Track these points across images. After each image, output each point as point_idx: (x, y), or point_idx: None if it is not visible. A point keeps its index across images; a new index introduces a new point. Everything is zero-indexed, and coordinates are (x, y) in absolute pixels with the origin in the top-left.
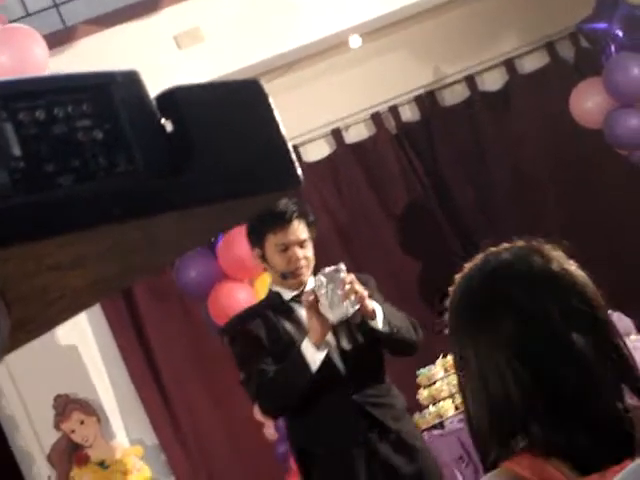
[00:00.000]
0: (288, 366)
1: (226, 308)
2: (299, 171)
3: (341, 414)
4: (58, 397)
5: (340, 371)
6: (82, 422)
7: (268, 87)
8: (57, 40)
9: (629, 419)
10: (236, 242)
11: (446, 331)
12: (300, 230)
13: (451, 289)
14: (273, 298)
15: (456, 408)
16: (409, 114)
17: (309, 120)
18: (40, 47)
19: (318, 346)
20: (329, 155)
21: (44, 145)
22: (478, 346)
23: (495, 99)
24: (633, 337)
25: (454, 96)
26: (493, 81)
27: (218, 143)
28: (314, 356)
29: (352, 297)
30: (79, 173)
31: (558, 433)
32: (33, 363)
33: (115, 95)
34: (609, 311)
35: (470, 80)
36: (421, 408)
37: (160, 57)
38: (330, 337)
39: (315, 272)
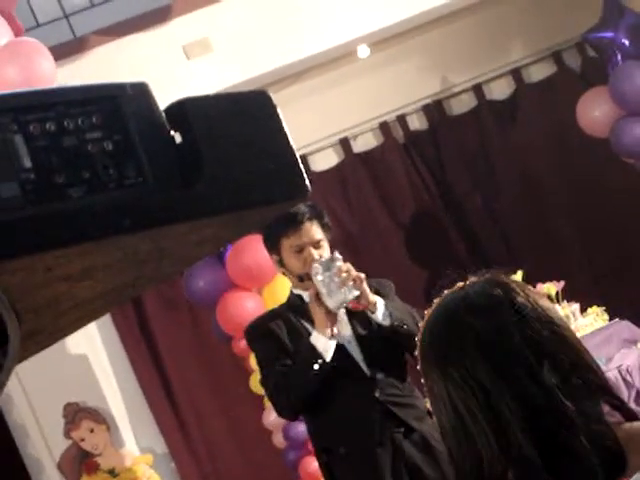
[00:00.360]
0: (300, 359)
1: (234, 317)
2: (307, 181)
3: (364, 413)
4: (68, 405)
5: (362, 369)
6: (92, 430)
7: (277, 97)
8: (67, 51)
9: (613, 437)
10: (244, 251)
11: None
12: (314, 231)
13: (420, 325)
14: (294, 300)
15: None
16: (417, 123)
17: (317, 129)
18: (48, 61)
19: (327, 335)
20: (337, 164)
21: (54, 157)
22: (447, 378)
23: (502, 108)
24: None
25: (462, 105)
26: (500, 90)
27: (227, 154)
28: (326, 345)
29: (350, 284)
30: (89, 185)
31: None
32: (43, 372)
33: (125, 107)
34: (616, 319)
35: (477, 89)
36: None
37: (169, 67)
38: (350, 335)
39: None
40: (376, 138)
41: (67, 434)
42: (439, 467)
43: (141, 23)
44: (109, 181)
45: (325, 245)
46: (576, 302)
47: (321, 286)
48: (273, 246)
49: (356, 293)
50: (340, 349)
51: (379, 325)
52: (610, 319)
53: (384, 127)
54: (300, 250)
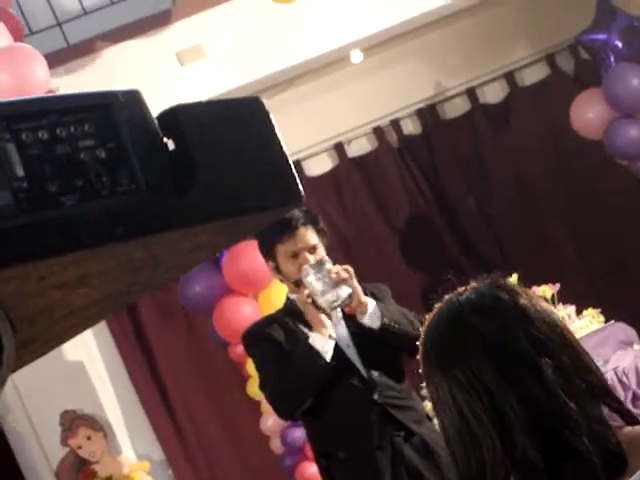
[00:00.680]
0: (299, 360)
1: (231, 323)
2: (301, 187)
3: (363, 416)
4: (65, 413)
5: (360, 371)
6: (89, 438)
7: (270, 102)
8: (60, 58)
9: (614, 439)
10: (241, 257)
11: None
12: (308, 236)
13: (421, 329)
14: (291, 306)
15: None
16: (411, 127)
17: (311, 135)
18: (41, 67)
19: (324, 335)
20: (332, 169)
21: (47, 165)
22: (452, 380)
23: (496, 111)
24: (637, 346)
25: (455, 109)
26: (494, 94)
27: (220, 161)
28: (325, 345)
29: (341, 284)
30: (82, 192)
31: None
32: (39, 379)
33: (117, 115)
34: (612, 321)
35: (471, 93)
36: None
37: (163, 74)
38: (347, 337)
39: None
40: (370, 143)
41: (64, 442)
42: (439, 470)
43: (135, 30)
44: (102, 189)
45: (321, 250)
46: (572, 304)
47: (313, 288)
48: (269, 252)
49: (348, 291)
50: (337, 351)
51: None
52: (606, 321)
53: (378, 132)
54: (295, 256)
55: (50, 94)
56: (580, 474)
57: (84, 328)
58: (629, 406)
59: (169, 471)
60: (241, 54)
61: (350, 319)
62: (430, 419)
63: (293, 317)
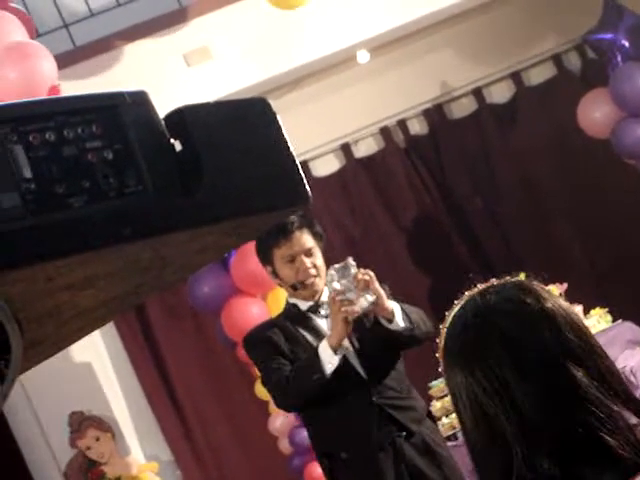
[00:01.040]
0: (304, 366)
1: (239, 323)
2: (308, 188)
3: (362, 417)
4: (73, 414)
5: (359, 373)
6: (97, 439)
7: (277, 103)
8: (67, 60)
9: (637, 440)
10: (249, 257)
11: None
12: (304, 239)
13: (442, 327)
14: (290, 309)
15: None
16: (417, 128)
17: (318, 135)
18: (49, 62)
19: (335, 350)
20: (339, 169)
21: (55, 166)
22: (471, 377)
23: (503, 111)
24: None
25: (462, 109)
26: (501, 94)
27: (227, 162)
28: (331, 359)
29: (366, 291)
30: (90, 194)
31: (564, 469)
32: (47, 381)
33: (124, 116)
34: (619, 320)
35: (478, 93)
36: (434, 420)
37: (170, 75)
38: (345, 340)
39: None
40: (377, 143)
41: (73, 443)
42: (441, 469)
43: (142, 32)
44: (109, 190)
45: (317, 253)
46: (579, 304)
47: (339, 294)
48: (266, 258)
49: (372, 298)
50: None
51: (372, 328)
52: (613, 321)
53: (385, 132)
54: (292, 259)
55: (57, 96)
56: (602, 477)
57: (92, 329)
58: None
59: (177, 471)
60: (248, 55)
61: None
62: (433, 419)
63: (292, 321)
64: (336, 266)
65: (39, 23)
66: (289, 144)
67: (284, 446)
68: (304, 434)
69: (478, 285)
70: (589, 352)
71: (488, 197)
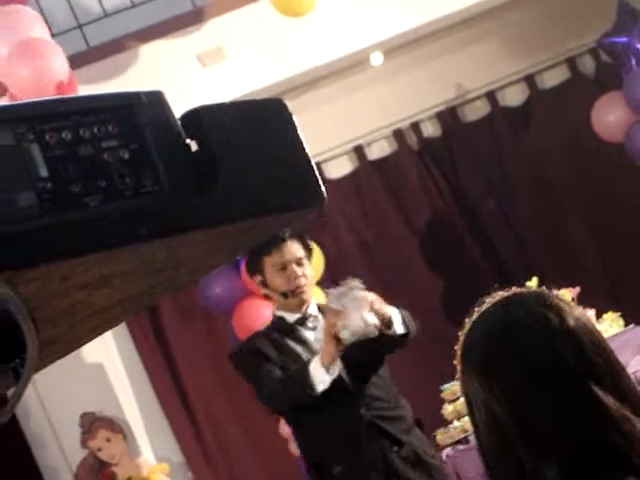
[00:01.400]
0: (295, 379)
1: (251, 325)
2: (323, 189)
3: (352, 431)
4: (84, 415)
5: (347, 384)
6: (109, 440)
7: (291, 105)
8: (81, 60)
9: None
10: None
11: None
12: (295, 249)
13: (461, 333)
14: (277, 322)
15: None
16: (431, 130)
17: (332, 137)
18: (60, 59)
19: (328, 368)
20: (352, 172)
21: (71, 166)
22: (487, 386)
23: (516, 114)
24: None
25: (475, 112)
26: (514, 97)
27: (242, 162)
28: (323, 378)
29: (367, 314)
30: (106, 193)
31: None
32: (59, 381)
33: (140, 115)
34: (632, 325)
35: (491, 96)
36: (446, 423)
37: (184, 75)
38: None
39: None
40: (390, 145)
41: (84, 444)
42: (431, 478)
43: (156, 32)
44: (125, 189)
45: (307, 264)
46: (591, 308)
47: (338, 315)
48: (256, 267)
49: (373, 322)
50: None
51: (390, 337)
52: (625, 325)
53: (398, 134)
54: (283, 267)
55: (73, 95)
56: None
57: (105, 330)
58: None
59: (189, 473)
60: (262, 56)
61: None
62: (421, 428)
63: (280, 332)
64: (338, 287)
65: (53, 23)
66: (305, 145)
67: (295, 448)
68: None
69: (497, 292)
70: (609, 369)
71: (501, 200)
